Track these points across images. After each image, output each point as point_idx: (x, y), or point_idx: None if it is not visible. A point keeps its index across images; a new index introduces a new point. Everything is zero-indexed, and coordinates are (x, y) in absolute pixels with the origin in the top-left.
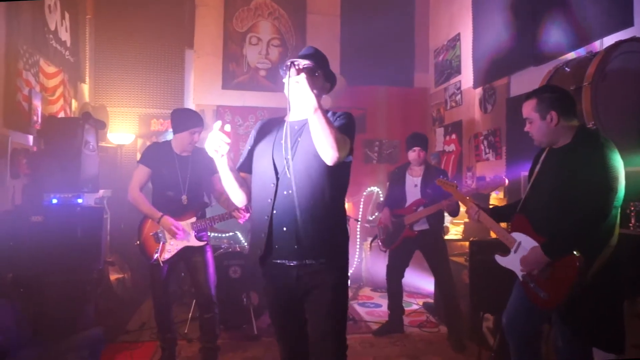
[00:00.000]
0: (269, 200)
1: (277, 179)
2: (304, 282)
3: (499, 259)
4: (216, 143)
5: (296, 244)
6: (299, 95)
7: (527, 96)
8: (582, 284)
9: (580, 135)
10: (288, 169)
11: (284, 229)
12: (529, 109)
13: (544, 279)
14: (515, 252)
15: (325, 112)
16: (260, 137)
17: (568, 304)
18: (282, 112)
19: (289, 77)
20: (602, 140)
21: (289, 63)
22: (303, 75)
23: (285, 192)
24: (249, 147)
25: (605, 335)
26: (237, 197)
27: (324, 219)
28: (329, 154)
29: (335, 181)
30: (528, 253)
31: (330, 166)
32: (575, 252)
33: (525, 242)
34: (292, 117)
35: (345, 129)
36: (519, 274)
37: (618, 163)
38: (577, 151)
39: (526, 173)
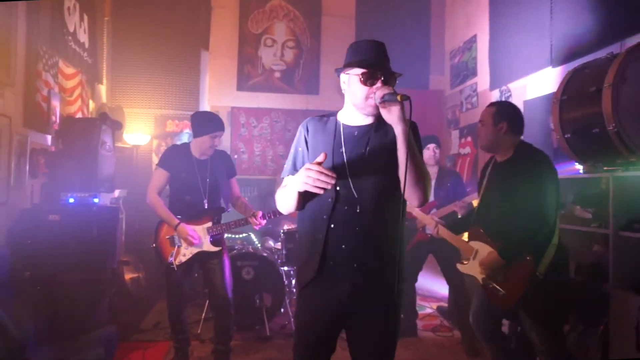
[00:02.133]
0: (325, 217)
1: (337, 192)
2: (357, 305)
3: (460, 266)
4: (318, 181)
5: (355, 263)
6: (372, 105)
7: (490, 104)
8: (534, 280)
9: (518, 149)
10: (351, 183)
11: (343, 246)
12: (486, 114)
13: (500, 280)
14: (474, 258)
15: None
16: (314, 140)
17: (528, 299)
18: (296, 114)
19: (379, 97)
20: (537, 154)
21: (373, 72)
22: (398, 107)
23: (345, 208)
24: (302, 151)
25: (563, 313)
26: (289, 208)
27: (386, 238)
28: (419, 199)
29: (398, 199)
30: (486, 256)
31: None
32: (526, 255)
33: (481, 250)
34: (347, 120)
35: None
36: (479, 278)
37: (554, 173)
38: (517, 165)
39: None
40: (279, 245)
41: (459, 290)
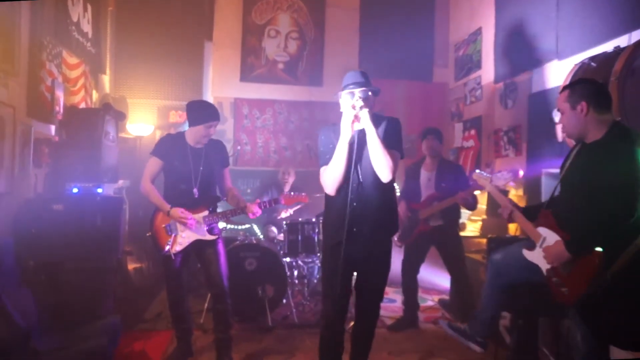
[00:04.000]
0: (351, 196)
1: (358, 178)
2: (369, 254)
3: (526, 253)
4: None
5: (369, 228)
6: (352, 117)
7: (562, 88)
8: (601, 282)
9: (613, 131)
10: (359, 172)
11: (359, 217)
12: (561, 101)
13: (566, 274)
14: (540, 246)
15: (380, 138)
16: (336, 139)
17: (588, 301)
18: (299, 106)
19: (353, 106)
20: (634, 137)
21: (350, 92)
22: (366, 111)
23: (359, 191)
24: (334, 147)
25: (624, 333)
26: (337, 184)
27: (387, 206)
28: (385, 176)
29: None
30: (551, 246)
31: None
32: (597, 249)
33: (550, 237)
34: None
35: (397, 143)
36: (544, 268)
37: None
38: (607, 147)
39: (548, 170)
40: (281, 236)
41: (462, 283)
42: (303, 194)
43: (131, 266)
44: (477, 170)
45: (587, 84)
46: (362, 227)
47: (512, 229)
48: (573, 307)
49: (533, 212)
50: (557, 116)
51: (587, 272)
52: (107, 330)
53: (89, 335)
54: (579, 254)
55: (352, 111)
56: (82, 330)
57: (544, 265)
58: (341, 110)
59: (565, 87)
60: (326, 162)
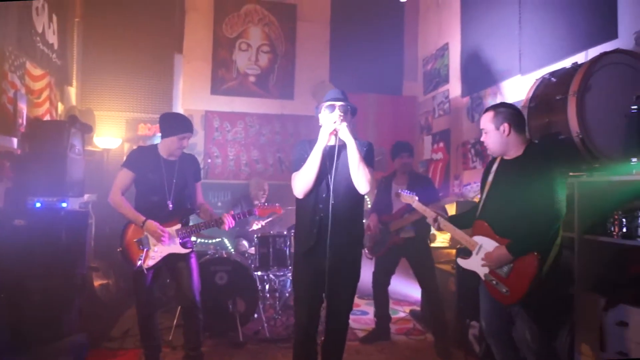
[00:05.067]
0: (320, 206)
1: (327, 191)
2: (338, 263)
3: (461, 261)
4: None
5: (337, 237)
6: (332, 127)
7: (485, 110)
8: (539, 280)
9: (529, 148)
10: (330, 183)
11: (328, 227)
12: (485, 121)
13: (504, 276)
14: (477, 254)
15: (361, 152)
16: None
17: (531, 299)
18: (271, 119)
19: (334, 120)
20: (549, 152)
21: (330, 105)
22: (345, 125)
23: (331, 202)
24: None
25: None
26: (307, 187)
27: (354, 218)
28: (363, 187)
29: (359, 194)
30: (493, 250)
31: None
32: (534, 252)
33: (486, 245)
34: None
35: (370, 161)
36: (481, 273)
37: (563, 174)
38: (527, 162)
39: None
40: (252, 249)
41: (432, 294)
42: (277, 204)
43: (97, 282)
44: (400, 191)
45: (508, 108)
46: (330, 236)
47: None
48: (517, 307)
49: (462, 221)
50: (483, 135)
51: (529, 272)
52: (72, 348)
53: (54, 354)
54: (518, 256)
55: (332, 125)
56: (46, 349)
57: (482, 271)
58: (320, 123)
59: (487, 109)
60: (298, 168)
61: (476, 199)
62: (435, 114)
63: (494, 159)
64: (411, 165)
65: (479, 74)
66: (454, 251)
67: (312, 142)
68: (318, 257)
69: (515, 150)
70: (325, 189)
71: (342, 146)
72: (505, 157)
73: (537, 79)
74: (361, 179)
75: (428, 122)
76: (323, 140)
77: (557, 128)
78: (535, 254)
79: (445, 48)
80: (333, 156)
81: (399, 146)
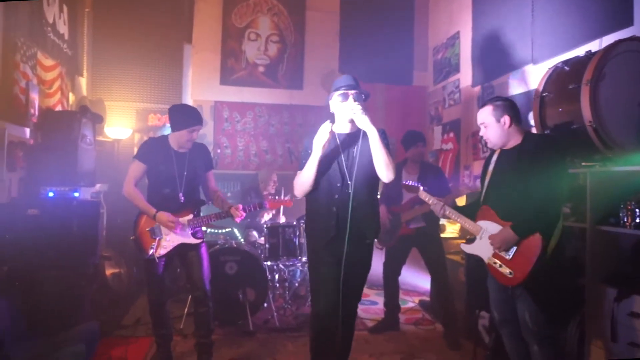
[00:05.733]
0: (336, 196)
1: (342, 180)
2: (355, 253)
3: (464, 247)
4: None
5: (357, 228)
6: (349, 117)
7: (482, 105)
8: (543, 261)
9: (527, 136)
10: (349, 174)
11: (348, 217)
12: (485, 115)
13: (508, 258)
14: (480, 238)
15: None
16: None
17: (534, 280)
18: (280, 109)
19: (352, 110)
20: (547, 137)
21: (343, 93)
22: (366, 117)
23: (347, 191)
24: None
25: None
26: (307, 187)
27: (372, 210)
28: (386, 175)
29: (376, 182)
30: (499, 232)
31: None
32: (537, 233)
33: (490, 228)
34: (339, 129)
35: (388, 148)
36: (485, 257)
37: (563, 155)
38: (527, 148)
39: None
40: (262, 240)
41: (442, 284)
42: (287, 197)
43: (109, 271)
44: (405, 182)
45: (505, 101)
46: (350, 227)
47: None
48: (519, 288)
49: (467, 212)
50: (482, 130)
51: (533, 252)
52: (84, 336)
53: (67, 342)
54: (524, 237)
55: (346, 113)
56: (59, 337)
57: (486, 254)
58: (331, 111)
59: (485, 104)
60: (301, 167)
61: None
62: (445, 104)
63: (493, 152)
64: (424, 155)
65: (490, 63)
66: (464, 241)
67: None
68: (337, 247)
69: (514, 141)
70: (340, 179)
71: (357, 134)
72: (504, 148)
73: (549, 68)
74: (386, 168)
75: (438, 112)
76: (318, 151)
77: (570, 117)
78: (539, 234)
79: (456, 37)
80: (349, 145)
81: (414, 135)
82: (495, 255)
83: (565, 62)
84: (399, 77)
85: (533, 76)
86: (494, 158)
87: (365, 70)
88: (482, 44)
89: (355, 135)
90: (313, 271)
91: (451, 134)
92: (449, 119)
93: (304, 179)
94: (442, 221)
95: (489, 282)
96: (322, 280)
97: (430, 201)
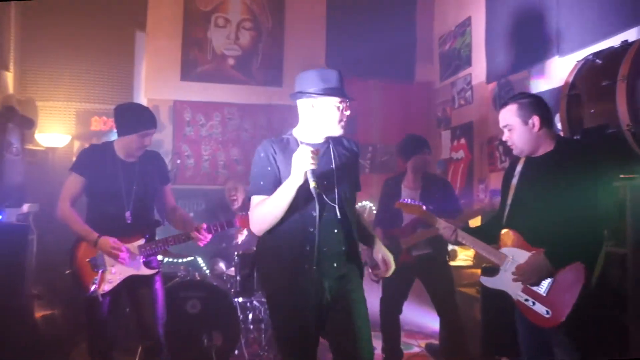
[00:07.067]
0: (311, 229)
1: (318, 203)
2: (336, 293)
3: (485, 280)
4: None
5: (335, 262)
6: (326, 123)
7: (504, 103)
8: (587, 294)
9: (565, 142)
10: (333, 193)
11: (324, 249)
12: (508, 115)
13: (543, 293)
14: (505, 269)
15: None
16: (284, 160)
17: (575, 318)
18: (254, 110)
19: (339, 112)
20: (593, 148)
21: (338, 98)
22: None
23: (324, 214)
24: (273, 171)
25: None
26: (273, 222)
27: (354, 237)
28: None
29: (354, 199)
30: (527, 260)
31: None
32: (577, 262)
33: (517, 256)
34: (307, 138)
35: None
36: (513, 293)
37: (608, 171)
38: (563, 157)
39: None
40: (232, 271)
41: (453, 324)
42: None
43: (39, 313)
44: (403, 200)
45: (533, 98)
46: (328, 266)
47: None
48: (559, 330)
49: (484, 233)
50: (505, 133)
51: (573, 286)
52: None
53: None
54: (561, 266)
55: (321, 131)
56: None
57: (514, 289)
58: (302, 116)
59: (508, 101)
60: (260, 190)
61: None
62: (455, 104)
63: (516, 160)
64: (428, 165)
65: (508, 55)
66: (479, 271)
67: (282, 143)
68: (310, 289)
69: (545, 147)
70: (315, 207)
71: (326, 143)
72: (533, 156)
73: (578, 61)
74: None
75: (446, 113)
76: (299, 178)
77: (604, 120)
78: (581, 263)
79: (466, 24)
80: (324, 160)
81: (416, 140)
82: (525, 290)
83: (597, 54)
84: (399, 73)
85: (559, 71)
86: (519, 168)
87: (357, 63)
88: (498, 32)
89: (328, 145)
90: (278, 319)
91: (462, 140)
92: (459, 122)
93: (273, 210)
94: (453, 246)
95: (518, 321)
96: (292, 329)
97: (438, 225)
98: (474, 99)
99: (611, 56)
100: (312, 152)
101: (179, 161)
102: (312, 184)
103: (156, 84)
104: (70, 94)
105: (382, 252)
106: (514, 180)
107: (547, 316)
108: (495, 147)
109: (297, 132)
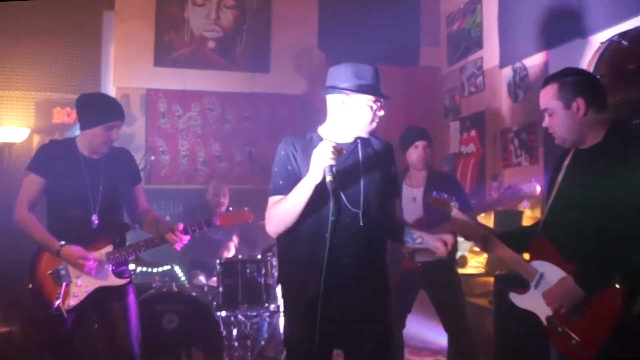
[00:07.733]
0: (326, 235)
1: (334, 201)
2: (356, 313)
3: (514, 297)
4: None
5: (354, 274)
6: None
7: (545, 82)
8: (625, 324)
9: (615, 131)
10: (358, 199)
11: (345, 260)
12: (548, 97)
13: (575, 320)
14: (536, 287)
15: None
16: (305, 159)
17: (609, 349)
18: (238, 99)
19: (373, 112)
20: None
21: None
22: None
23: (347, 221)
24: (293, 170)
25: None
26: (289, 222)
27: (382, 250)
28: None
29: (388, 206)
30: (555, 285)
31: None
32: (615, 282)
33: (549, 273)
34: (333, 138)
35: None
36: (542, 314)
37: None
38: (615, 148)
39: None
40: (213, 281)
41: (462, 339)
42: (245, 209)
43: None
44: (433, 194)
45: (580, 75)
46: (346, 279)
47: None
48: None
49: (519, 241)
50: (545, 119)
51: (609, 313)
52: None
53: None
54: (593, 291)
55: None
56: None
57: (543, 311)
58: (332, 112)
59: (549, 80)
60: (278, 190)
61: (521, 208)
62: (464, 92)
63: (566, 151)
64: (430, 160)
65: (524, 36)
66: (491, 279)
67: (304, 141)
68: (327, 310)
69: (593, 136)
70: (335, 210)
71: (355, 142)
72: (581, 147)
73: (602, 43)
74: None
75: (455, 102)
76: (317, 175)
77: (630, 109)
78: (617, 286)
79: (477, 1)
80: (350, 160)
81: (412, 132)
82: (556, 315)
83: (623, 35)
84: (401, 56)
85: (580, 54)
86: (566, 162)
87: (354, 46)
88: (513, 9)
89: (356, 145)
90: (290, 342)
91: (473, 132)
92: (469, 111)
93: (288, 210)
94: (463, 251)
95: (550, 344)
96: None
97: (468, 228)
98: (485, 86)
99: (639, 37)
100: (334, 147)
101: (153, 158)
102: (328, 178)
103: (126, 70)
104: (29, 82)
105: (432, 237)
106: (560, 177)
107: (577, 347)
108: (509, 139)
109: (323, 130)
